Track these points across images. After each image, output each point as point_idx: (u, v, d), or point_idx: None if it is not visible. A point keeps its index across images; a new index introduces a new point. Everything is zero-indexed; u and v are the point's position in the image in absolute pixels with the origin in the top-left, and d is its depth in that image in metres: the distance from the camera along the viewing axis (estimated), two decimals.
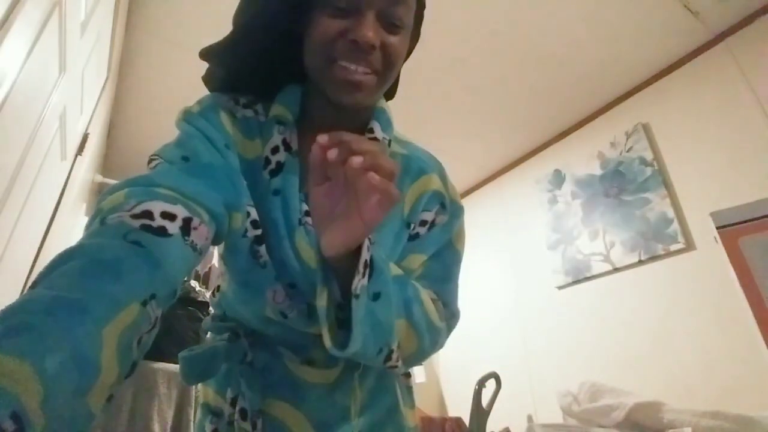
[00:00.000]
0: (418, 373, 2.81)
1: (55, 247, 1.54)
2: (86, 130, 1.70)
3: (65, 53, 1.14)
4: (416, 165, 0.61)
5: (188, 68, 1.98)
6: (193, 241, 0.40)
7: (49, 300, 0.27)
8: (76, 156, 1.64)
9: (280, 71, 0.59)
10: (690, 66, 1.96)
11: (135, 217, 0.37)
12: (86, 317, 0.27)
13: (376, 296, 0.46)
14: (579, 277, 2.17)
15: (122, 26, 1.79)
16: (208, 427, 0.57)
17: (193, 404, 1.61)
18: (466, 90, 2.19)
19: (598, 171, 2.22)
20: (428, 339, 0.53)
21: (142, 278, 0.33)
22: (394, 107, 0.65)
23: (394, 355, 0.50)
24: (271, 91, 0.58)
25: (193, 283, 1.97)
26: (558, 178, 2.44)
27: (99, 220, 0.37)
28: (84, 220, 2.36)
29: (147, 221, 0.37)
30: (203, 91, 0.60)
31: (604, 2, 1.73)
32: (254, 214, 0.52)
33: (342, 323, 0.46)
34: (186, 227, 0.39)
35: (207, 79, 0.60)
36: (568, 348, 2.16)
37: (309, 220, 0.53)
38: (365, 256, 0.44)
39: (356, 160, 0.37)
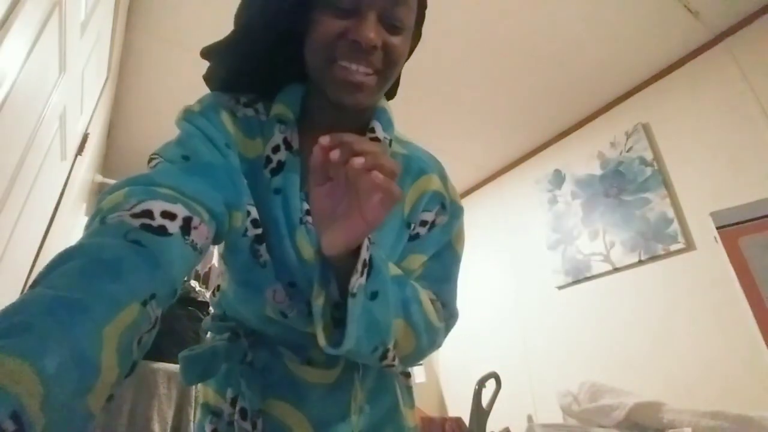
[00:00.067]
0: (418, 373, 2.81)
1: (55, 247, 1.54)
2: (86, 130, 1.70)
3: (65, 53, 1.14)
4: (417, 165, 0.61)
5: (188, 68, 1.98)
6: (193, 240, 0.40)
7: (49, 300, 0.27)
8: (76, 156, 1.64)
9: (281, 71, 0.59)
10: (690, 66, 1.96)
11: (135, 216, 0.37)
12: (86, 317, 0.27)
13: (373, 295, 0.46)
14: (579, 277, 2.17)
15: (122, 26, 1.79)
16: (208, 427, 0.57)
17: (193, 404, 1.61)
18: (466, 90, 2.19)
19: (598, 171, 2.22)
20: (426, 339, 0.53)
21: (143, 278, 0.33)
22: (394, 107, 0.65)
23: (390, 354, 0.50)
24: (272, 90, 0.58)
25: (193, 283, 1.97)
26: (558, 178, 2.44)
27: (99, 219, 0.37)
28: (84, 220, 2.36)
29: (147, 220, 0.37)
30: (203, 91, 0.60)
31: (604, 2, 1.73)
32: (254, 213, 0.52)
33: (339, 322, 0.46)
34: (186, 226, 0.39)
35: (208, 78, 0.60)
36: (568, 348, 2.16)
37: (310, 219, 0.53)
38: (364, 255, 0.44)
39: (358, 161, 0.37)
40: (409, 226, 0.59)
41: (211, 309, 0.66)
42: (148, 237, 0.36)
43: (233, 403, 0.55)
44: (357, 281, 0.43)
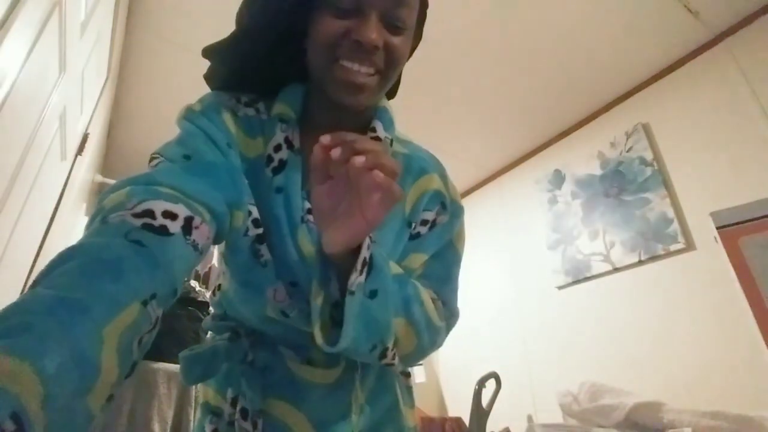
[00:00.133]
0: (418, 373, 2.81)
1: (55, 247, 1.54)
2: (86, 130, 1.70)
3: (65, 53, 1.14)
4: (417, 164, 0.61)
5: (188, 68, 1.98)
6: (194, 240, 0.40)
7: (49, 300, 0.27)
8: (76, 156, 1.64)
9: (282, 70, 0.59)
10: (690, 66, 1.96)
11: (136, 216, 0.37)
12: (87, 317, 0.27)
13: (373, 294, 0.46)
14: (579, 277, 2.17)
15: (122, 26, 1.79)
16: (208, 427, 0.57)
17: (193, 404, 1.61)
18: (466, 90, 2.19)
19: (598, 171, 2.22)
20: (427, 338, 0.54)
21: (143, 278, 0.32)
22: (394, 107, 0.65)
23: (390, 353, 0.50)
24: (273, 90, 0.58)
25: (193, 283, 1.96)
26: (558, 178, 2.44)
27: (100, 218, 0.37)
28: (84, 220, 2.36)
29: (148, 220, 0.37)
30: (203, 91, 0.60)
31: (604, 2, 1.73)
32: (255, 213, 0.52)
33: (337, 321, 0.46)
34: (187, 226, 0.39)
35: (209, 78, 0.60)
36: (568, 348, 2.16)
37: (311, 217, 0.53)
38: (364, 254, 0.44)
39: (359, 159, 0.37)
40: (409, 225, 0.59)
41: (211, 309, 0.66)
42: (149, 237, 0.36)
43: (234, 403, 0.54)
44: (356, 279, 0.43)
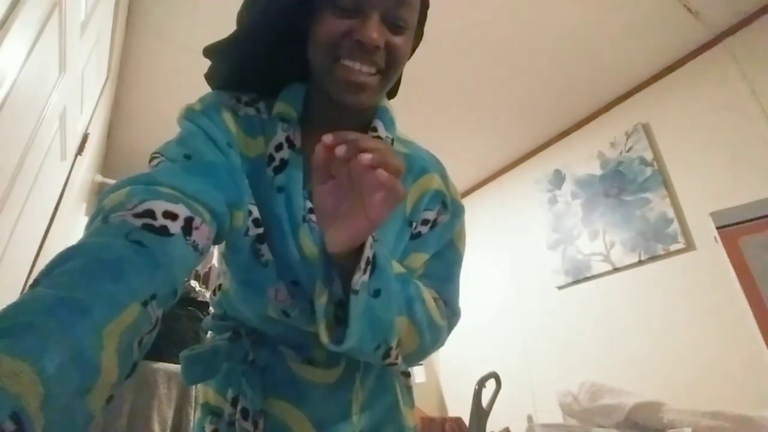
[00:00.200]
0: (418, 373, 2.81)
1: (55, 247, 1.54)
2: (86, 130, 1.70)
3: (65, 53, 1.14)
4: (418, 164, 0.61)
5: (188, 68, 1.98)
6: (194, 240, 0.40)
7: (50, 300, 0.27)
8: (76, 156, 1.64)
9: (283, 70, 0.59)
10: (690, 66, 1.96)
11: (137, 216, 0.36)
12: (87, 317, 0.27)
13: (376, 293, 0.46)
14: (579, 277, 2.17)
15: (122, 26, 1.79)
16: (208, 427, 0.57)
17: (193, 404, 1.61)
18: (466, 90, 2.19)
19: (598, 171, 2.22)
20: (429, 337, 0.54)
21: (144, 278, 0.32)
22: (395, 106, 0.65)
23: (393, 352, 0.50)
24: (274, 89, 0.58)
25: (193, 283, 1.96)
26: (558, 178, 2.44)
27: (101, 218, 0.37)
28: (84, 220, 2.36)
29: (149, 220, 0.37)
30: (204, 91, 0.60)
31: (604, 2, 1.73)
32: (256, 213, 0.52)
33: (342, 320, 0.46)
34: (187, 227, 0.39)
35: (209, 77, 0.60)
36: (568, 348, 2.16)
37: (313, 216, 0.53)
38: (368, 253, 0.44)
39: (365, 157, 0.37)
40: (410, 224, 0.59)
41: (211, 309, 0.66)
42: (150, 237, 0.35)
43: (234, 403, 0.54)
44: (360, 279, 0.43)
